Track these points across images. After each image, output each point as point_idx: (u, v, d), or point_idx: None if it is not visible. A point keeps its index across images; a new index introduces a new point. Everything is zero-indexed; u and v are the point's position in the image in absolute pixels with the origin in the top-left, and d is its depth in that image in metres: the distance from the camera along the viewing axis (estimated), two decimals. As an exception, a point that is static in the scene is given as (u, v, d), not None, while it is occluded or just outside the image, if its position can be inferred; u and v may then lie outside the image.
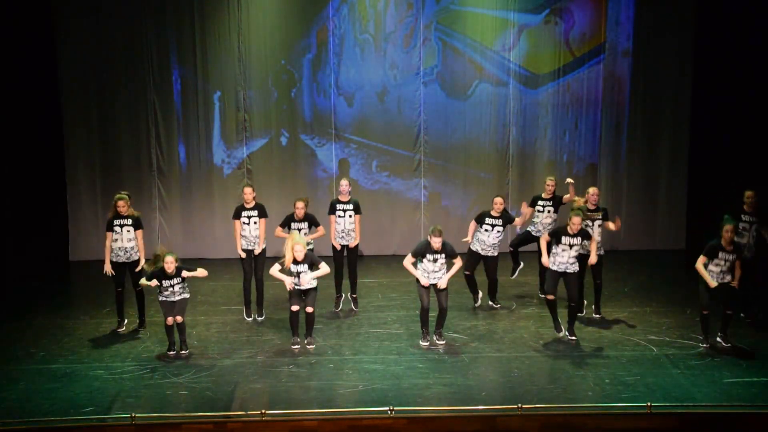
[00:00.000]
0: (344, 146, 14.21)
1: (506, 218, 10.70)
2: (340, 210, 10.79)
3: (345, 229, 10.78)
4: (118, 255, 9.99)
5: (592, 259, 9.82)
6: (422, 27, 13.97)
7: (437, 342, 9.59)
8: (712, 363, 8.88)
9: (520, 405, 7.64)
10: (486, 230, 10.62)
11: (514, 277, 11.42)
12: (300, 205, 10.51)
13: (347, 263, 10.96)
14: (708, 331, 9.34)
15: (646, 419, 7.60)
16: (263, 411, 7.60)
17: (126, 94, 13.87)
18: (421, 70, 14.09)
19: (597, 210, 10.51)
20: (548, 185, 11.21)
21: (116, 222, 9.96)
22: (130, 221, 9.99)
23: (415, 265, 9.54)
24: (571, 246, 9.53)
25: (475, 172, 14.37)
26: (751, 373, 8.56)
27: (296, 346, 9.43)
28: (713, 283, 9.11)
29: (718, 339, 9.37)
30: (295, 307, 9.33)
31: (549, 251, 9.69)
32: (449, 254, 9.43)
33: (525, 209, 11.29)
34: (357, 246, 10.97)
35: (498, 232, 10.63)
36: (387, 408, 7.64)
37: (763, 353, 9.13)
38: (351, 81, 14.08)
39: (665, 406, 7.73)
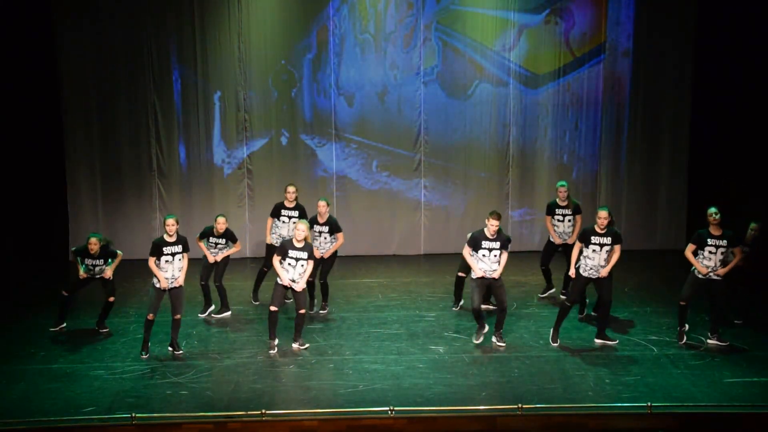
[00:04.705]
0: (344, 146, 14.21)
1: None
2: (316, 232, 10.47)
3: (320, 246, 10.49)
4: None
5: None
6: (422, 27, 13.97)
7: (498, 344, 9.35)
8: (712, 363, 8.88)
9: (520, 405, 7.65)
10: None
11: (544, 295, 11.34)
12: (291, 189, 10.73)
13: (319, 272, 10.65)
14: (683, 320, 9.46)
15: (646, 419, 7.60)
16: (263, 411, 7.61)
17: (126, 94, 13.86)
18: (421, 70, 14.08)
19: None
20: (560, 192, 10.97)
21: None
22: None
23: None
24: (601, 246, 9.16)
25: (475, 172, 14.37)
26: (751, 373, 8.56)
27: (273, 351, 9.23)
28: (703, 269, 9.15)
29: (711, 341, 9.38)
30: (273, 308, 9.20)
31: (577, 261, 9.32)
32: (503, 245, 9.19)
33: (549, 224, 11.03)
34: (330, 256, 10.63)
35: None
36: (387, 408, 7.65)
37: (763, 353, 9.14)
38: (351, 81, 14.08)
39: (665, 406, 7.73)
